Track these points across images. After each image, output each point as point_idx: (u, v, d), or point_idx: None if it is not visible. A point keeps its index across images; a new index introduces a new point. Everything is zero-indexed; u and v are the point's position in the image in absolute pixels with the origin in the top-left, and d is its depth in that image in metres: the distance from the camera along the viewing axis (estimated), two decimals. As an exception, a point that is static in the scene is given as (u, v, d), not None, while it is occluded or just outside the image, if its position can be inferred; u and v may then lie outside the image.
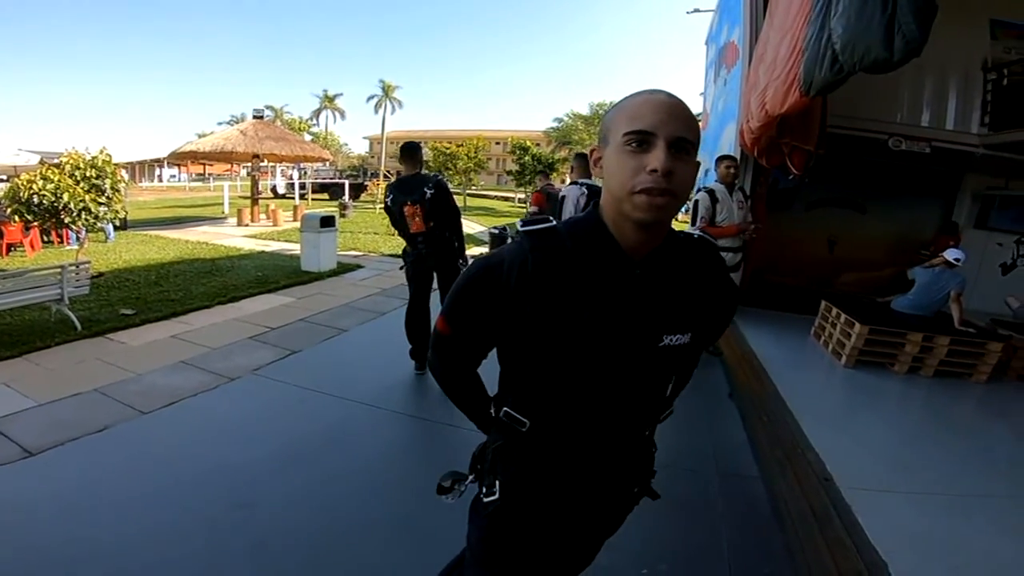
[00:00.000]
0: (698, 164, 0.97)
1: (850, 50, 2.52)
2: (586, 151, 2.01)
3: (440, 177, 4.23)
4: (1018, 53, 5.63)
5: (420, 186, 3.94)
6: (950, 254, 4.71)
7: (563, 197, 4.62)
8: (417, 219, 3.98)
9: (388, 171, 38.48)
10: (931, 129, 5.86)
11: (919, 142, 5.68)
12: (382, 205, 4.33)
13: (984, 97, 5.71)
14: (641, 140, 0.89)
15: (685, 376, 1.19)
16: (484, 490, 1.15)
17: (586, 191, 4.33)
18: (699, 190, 4.68)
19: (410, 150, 4.11)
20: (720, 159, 4.69)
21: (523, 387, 1.08)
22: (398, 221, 4.11)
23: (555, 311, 0.95)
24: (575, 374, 1.00)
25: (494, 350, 1.13)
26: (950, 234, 6.97)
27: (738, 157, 5.38)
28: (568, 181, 4.74)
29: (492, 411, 1.17)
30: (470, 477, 1.23)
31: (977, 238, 7.13)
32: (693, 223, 4.60)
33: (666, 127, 0.88)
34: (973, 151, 5.79)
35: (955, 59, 5.64)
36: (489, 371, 1.18)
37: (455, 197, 4.28)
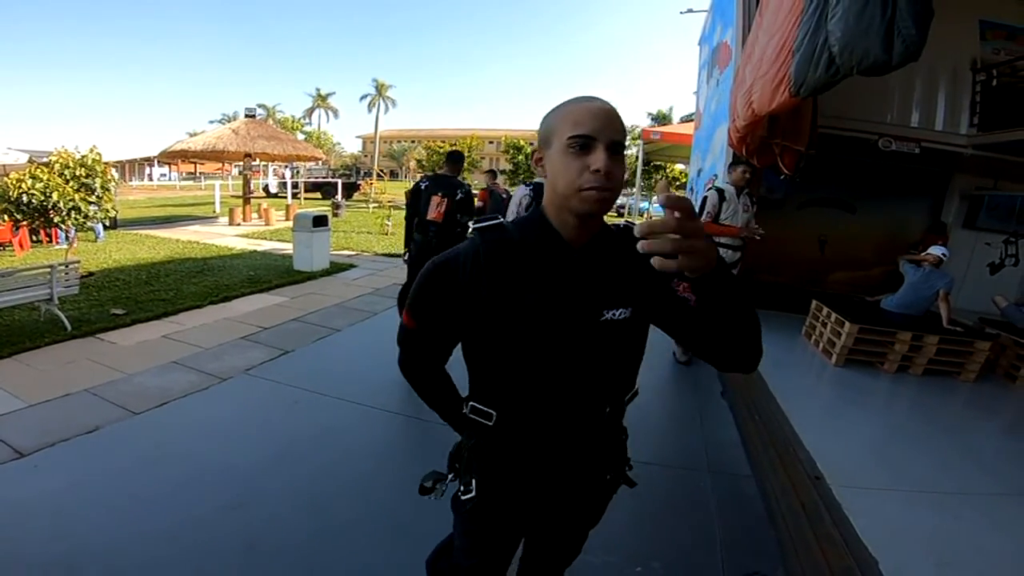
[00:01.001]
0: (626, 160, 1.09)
1: (848, 52, 2.54)
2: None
3: (470, 187, 4.73)
4: (1007, 54, 5.69)
5: (455, 187, 4.50)
6: (936, 250, 4.77)
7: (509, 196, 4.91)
8: (440, 209, 4.48)
9: (381, 170, 38.41)
10: (920, 129, 5.92)
11: (909, 142, 5.73)
12: (410, 188, 4.72)
13: (973, 98, 5.76)
14: (584, 144, 1.00)
15: (636, 352, 1.23)
16: (462, 488, 1.24)
17: (531, 192, 4.46)
18: (710, 189, 4.74)
19: (456, 157, 4.75)
20: (736, 163, 4.71)
21: (486, 378, 1.18)
22: (419, 206, 4.55)
23: (505, 295, 1.07)
24: (529, 353, 1.10)
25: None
26: (938, 234, 7.04)
27: (728, 157, 5.42)
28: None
29: (464, 410, 1.24)
30: (450, 476, 1.32)
31: (965, 238, 7.20)
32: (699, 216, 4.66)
33: (605, 132, 1.00)
34: (962, 151, 5.85)
35: (945, 60, 5.69)
36: (461, 376, 1.22)
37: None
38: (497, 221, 1.14)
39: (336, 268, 8.49)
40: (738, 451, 3.32)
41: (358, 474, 2.86)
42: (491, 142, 52.77)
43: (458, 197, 4.46)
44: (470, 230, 1.14)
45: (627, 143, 1.09)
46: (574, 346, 1.10)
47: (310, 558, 2.24)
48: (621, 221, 1.22)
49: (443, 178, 4.59)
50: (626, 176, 1.14)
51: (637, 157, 16.30)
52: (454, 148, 4.94)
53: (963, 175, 7.15)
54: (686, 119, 19.82)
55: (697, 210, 4.47)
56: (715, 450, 3.30)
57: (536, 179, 4.75)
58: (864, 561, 2.18)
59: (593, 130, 1.00)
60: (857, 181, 7.35)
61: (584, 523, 1.39)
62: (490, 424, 1.17)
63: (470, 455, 1.24)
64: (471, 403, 1.20)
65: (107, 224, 10.23)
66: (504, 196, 4.86)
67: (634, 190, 18.96)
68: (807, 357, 5.09)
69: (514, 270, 1.08)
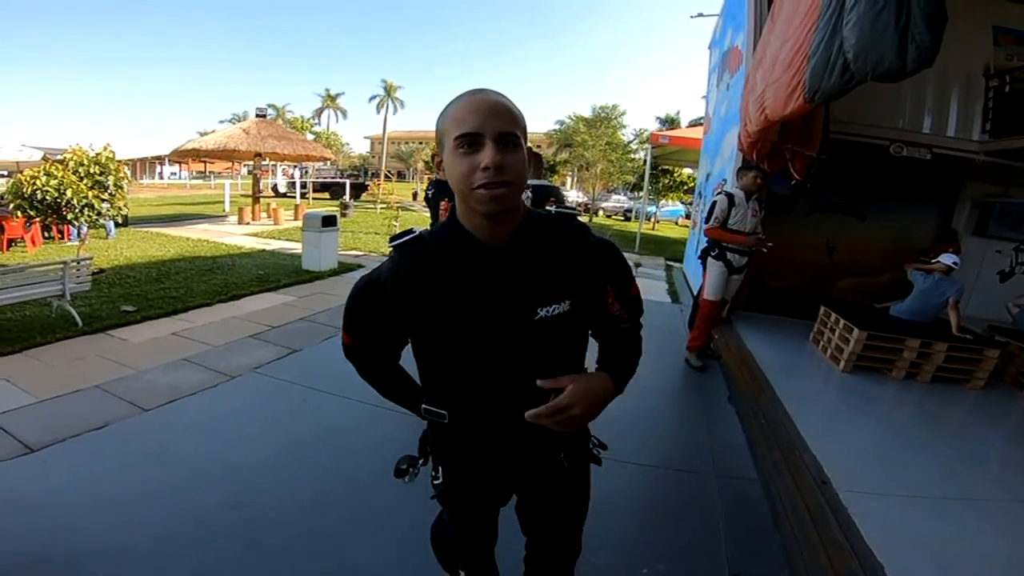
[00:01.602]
0: (529, 150, 1.10)
1: (863, 58, 2.53)
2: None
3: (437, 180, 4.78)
4: (1020, 60, 5.65)
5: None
6: (946, 258, 4.74)
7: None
8: (447, 213, 4.40)
9: (389, 171, 38.52)
10: (932, 135, 5.87)
11: (920, 148, 5.69)
12: (422, 196, 5.07)
13: (986, 104, 5.72)
14: (471, 142, 0.98)
15: (578, 342, 1.23)
16: (433, 473, 1.34)
17: (530, 194, 4.54)
18: (720, 193, 4.72)
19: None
20: (748, 169, 4.68)
21: (432, 381, 1.22)
22: (433, 212, 4.66)
23: (430, 306, 1.08)
24: (465, 359, 1.12)
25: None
26: (949, 241, 6.99)
27: (737, 162, 5.40)
28: None
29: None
30: (420, 460, 1.39)
31: (976, 245, 7.15)
32: (707, 222, 4.64)
33: (489, 125, 0.98)
34: (974, 158, 5.81)
35: (957, 65, 5.65)
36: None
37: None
38: (414, 235, 1.13)
39: (344, 268, 8.53)
40: (744, 455, 3.31)
41: (363, 473, 2.87)
42: (499, 144, 52.65)
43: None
44: (388, 247, 1.16)
45: (525, 131, 1.06)
46: (510, 347, 1.10)
47: (315, 557, 2.25)
48: (552, 209, 1.20)
49: (446, 182, 4.65)
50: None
51: (645, 161, 16.24)
52: None
53: (974, 182, 7.10)
54: (694, 123, 19.74)
55: (706, 215, 4.46)
56: (721, 454, 3.29)
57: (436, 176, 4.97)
58: (870, 565, 2.18)
59: (477, 126, 0.98)
60: (867, 187, 7.31)
61: (567, 507, 1.40)
62: (444, 422, 1.21)
63: (433, 447, 1.33)
64: (424, 405, 1.25)
65: (118, 222, 10.32)
66: None
67: (641, 195, 18.92)
68: (814, 363, 5.06)
69: (435, 281, 1.08)
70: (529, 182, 4.76)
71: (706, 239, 4.81)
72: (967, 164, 6.03)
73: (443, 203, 4.65)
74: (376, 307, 1.14)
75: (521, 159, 1.02)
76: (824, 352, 5.12)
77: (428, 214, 4.72)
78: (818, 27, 2.99)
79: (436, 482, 1.32)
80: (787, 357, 5.11)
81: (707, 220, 4.66)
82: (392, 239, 1.15)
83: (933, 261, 4.90)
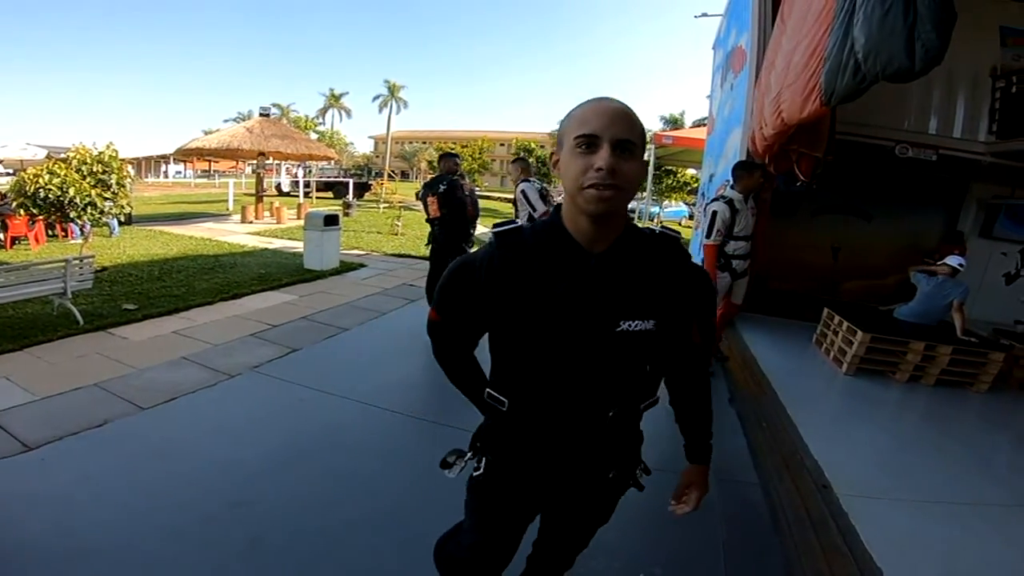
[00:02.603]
0: (645, 162, 1.12)
1: (872, 58, 2.50)
2: (521, 155, 2.17)
3: (455, 179, 5.11)
4: (1028, 60, 5.60)
5: (438, 182, 5.04)
6: (952, 260, 4.69)
7: (522, 192, 5.30)
8: (433, 207, 5.06)
9: (393, 171, 38.56)
10: (938, 136, 5.84)
11: (926, 149, 5.65)
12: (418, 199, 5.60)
13: (992, 105, 5.68)
14: (589, 143, 1.01)
15: (660, 363, 1.26)
16: (476, 465, 1.32)
17: (539, 185, 4.97)
18: (716, 199, 4.46)
19: (441, 158, 5.38)
20: (751, 167, 4.52)
21: (502, 369, 1.23)
22: (425, 209, 5.19)
23: (518, 299, 1.10)
24: (539, 355, 1.13)
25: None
26: (955, 243, 6.94)
27: (742, 161, 5.34)
28: (518, 181, 5.38)
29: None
30: (468, 454, 1.36)
31: (982, 247, 7.09)
32: (708, 235, 4.36)
33: (609, 130, 1.00)
34: (980, 159, 5.77)
35: (964, 66, 5.61)
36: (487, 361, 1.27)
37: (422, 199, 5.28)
38: (514, 226, 1.16)
39: (346, 267, 8.53)
40: (745, 458, 3.29)
41: (364, 473, 2.86)
42: (502, 144, 52.82)
43: (441, 190, 5.00)
44: (490, 233, 1.18)
45: (644, 142, 1.07)
46: (585, 353, 1.11)
47: (314, 556, 2.24)
48: (656, 226, 1.22)
49: (432, 180, 5.19)
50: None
51: (649, 161, 16.24)
52: (447, 151, 5.54)
53: (980, 183, 7.04)
54: (698, 123, 19.72)
55: (707, 228, 4.32)
56: (722, 457, 3.23)
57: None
58: (870, 571, 2.15)
59: (597, 128, 1.00)
60: (873, 188, 7.26)
61: (592, 517, 1.43)
62: (503, 410, 1.22)
63: (484, 435, 1.32)
64: (488, 389, 1.27)
65: (122, 220, 10.35)
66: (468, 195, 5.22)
67: (645, 195, 18.90)
68: (817, 365, 5.03)
69: (527, 273, 1.10)
70: (530, 179, 4.79)
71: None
72: (973, 165, 5.99)
73: (430, 198, 5.08)
74: (467, 288, 1.16)
75: (635, 167, 1.04)
76: (827, 355, 5.09)
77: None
78: (832, 28, 2.94)
79: (476, 473, 1.31)
80: (790, 359, 5.07)
81: (708, 234, 4.37)
82: (495, 225, 1.18)
83: (938, 263, 4.86)
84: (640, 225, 1.20)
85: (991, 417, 4.14)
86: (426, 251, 5.52)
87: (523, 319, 1.10)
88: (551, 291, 1.08)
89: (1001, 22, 5.69)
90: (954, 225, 7.36)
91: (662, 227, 1.21)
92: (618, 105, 1.04)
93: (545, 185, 5.64)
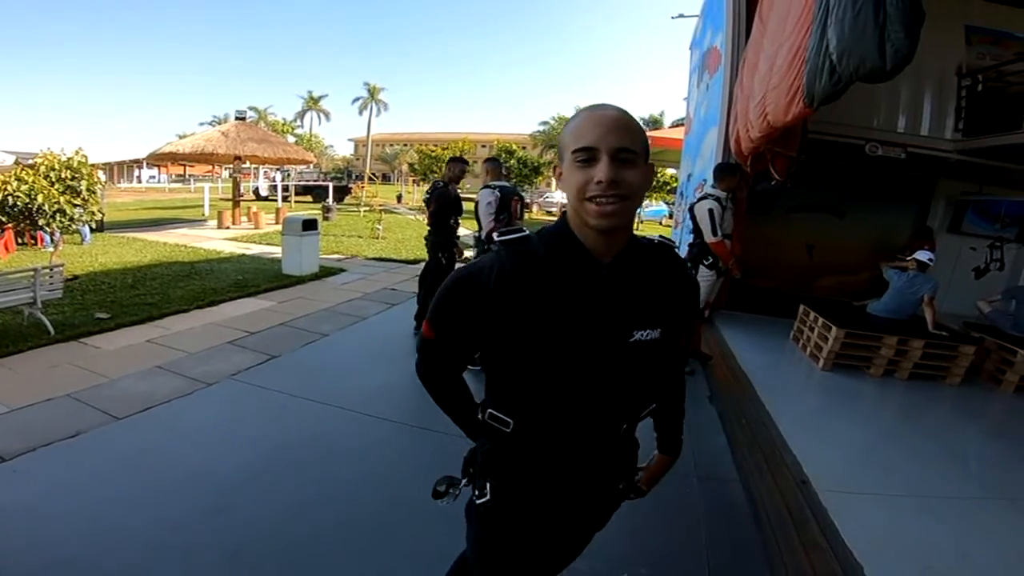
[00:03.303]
0: (651, 167, 1.07)
1: (846, 59, 2.54)
2: (497, 156, 2.13)
3: (441, 185, 5.15)
4: (992, 58, 5.75)
5: (430, 192, 5.21)
6: (921, 255, 4.81)
7: (477, 201, 4.83)
8: (426, 215, 5.35)
9: (373, 174, 38.32)
10: (907, 135, 5.97)
11: (895, 148, 5.77)
12: (407, 198, 5.72)
13: (959, 103, 5.82)
14: (587, 156, 0.99)
15: (662, 371, 1.25)
16: (476, 492, 1.22)
17: (498, 194, 4.59)
18: (706, 197, 4.47)
19: (448, 162, 5.36)
20: (734, 168, 4.60)
21: (505, 388, 1.16)
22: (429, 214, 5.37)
23: (532, 310, 1.03)
24: (553, 370, 1.07)
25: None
26: (925, 238, 7.11)
27: (725, 163, 5.36)
28: (482, 184, 4.89)
29: (480, 416, 1.22)
30: (463, 480, 1.30)
31: (951, 242, 7.27)
32: (715, 233, 4.33)
33: (607, 140, 0.97)
34: (947, 156, 5.91)
35: (931, 65, 5.75)
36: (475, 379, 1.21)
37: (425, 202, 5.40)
38: (523, 234, 1.10)
39: (326, 272, 8.44)
40: (725, 456, 3.32)
41: (344, 480, 2.83)
42: (483, 146, 52.79)
43: (426, 199, 5.24)
44: (494, 240, 1.11)
45: (646, 148, 1.05)
46: (601, 365, 1.08)
47: (293, 565, 2.21)
48: (655, 236, 1.21)
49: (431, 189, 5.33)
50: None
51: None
52: (455, 156, 5.57)
53: (948, 180, 7.23)
54: (677, 123, 19.91)
55: (708, 223, 4.32)
56: (703, 455, 3.29)
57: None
58: (850, 566, 2.18)
59: (594, 141, 0.98)
60: (845, 186, 7.42)
61: (593, 527, 1.40)
62: (507, 431, 1.15)
63: (484, 459, 1.22)
64: (489, 410, 1.18)
65: (93, 227, 10.12)
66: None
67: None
68: (795, 361, 5.11)
69: (541, 285, 1.04)
70: (493, 183, 4.73)
71: (692, 247, 4.64)
72: (941, 163, 6.14)
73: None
74: (473, 301, 1.07)
75: (637, 175, 1.01)
76: (804, 351, 5.17)
77: (412, 217, 5.05)
78: (812, 30, 2.96)
79: (480, 501, 1.20)
80: (768, 356, 5.14)
81: (713, 232, 4.34)
82: (500, 233, 1.11)
83: (908, 258, 4.96)
84: (649, 236, 1.20)
85: (964, 409, 4.25)
86: (408, 253, 5.63)
87: (537, 331, 1.04)
88: (566, 301, 1.04)
89: (966, 21, 5.84)
90: (924, 221, 7.55)
91: (660, 237, 1.21)
92: (614, 113, 1.01)
93: (519, 189, 5.61)
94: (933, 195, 7.50)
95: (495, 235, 1.12)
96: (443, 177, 5.22)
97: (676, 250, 1.21)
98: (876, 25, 2.33)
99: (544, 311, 1.03)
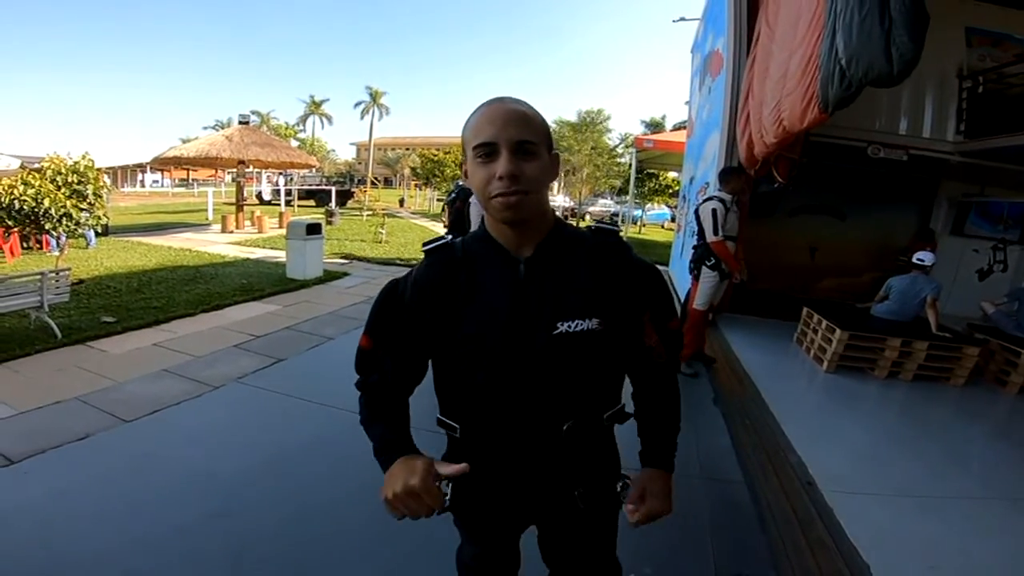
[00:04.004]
0: (555, 157, 1.08)
1: (855, 64, 2.53)
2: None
3: (455, 190, 5.06)
4: (992, 60, 5.77)
5: (454, 192, 5.04)
6: (924, 256, 4.85)
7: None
8: (445, 216, 5.60)
9: (376, 177, 38.40)
10: (908, 137, 5.99)
11: (897, 149, 5.79)
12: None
13: (960, 105, 5.84)
14: (487, 151, 0.99)
15: (607, 366, 1.14)
16: (446, 489, 1.21)
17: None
18: (710, 199, 4.49)
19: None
20: (739, 170, 4.62)
21: (446, 393, 1.18)
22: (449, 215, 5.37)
23: (448, 314, 1.07)
24: (479, 370, 1.08)
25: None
26: (927, 240, 7.11)
27: (730, 166, 5.34)
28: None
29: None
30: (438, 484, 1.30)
31: (954, 244, 7.27)
32: (715, 232, 4.35)
33: (505, 134, 0.97)
34: (949, 158, 5.92)
35: (931, 67, 5.76)
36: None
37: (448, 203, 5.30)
38: (444, 241, 1.13)
39: (329, 276, 8.47)
40: (730, 457, 3.32)
41: (348, 482, 2.84)
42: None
43: (449, 198, 5.24)
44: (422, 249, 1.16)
45: (546, 137, 1.04)
46: (525, 361, 1.06)
47: (298, 568, 2.22)
48: (599, 224, 1.17)
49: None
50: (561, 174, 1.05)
51: (631, 165, 16.38)
52: None
53: (950, 182, 7.23)
54: (679, 126, 19.95)
55: (711, 223, 4.33)
56: (707, 456, 3.30)
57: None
58: (856, 566, 2.19)
59: (492, 135, 0.98)
60: (847, 188, 7.43)
61: (588, 545, 1.31)
62: (457, 436, 1.17)
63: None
64: (438, 415, 1.21)
65: (99, 231, 10.17)
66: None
67: (628, 199, 19.04)
68: (799, 363, 5.11)
69: (457, 286, 1.07)
70: (460, 182, 4.81)
71: (695, 248, 4.66)
72: (943, 164, 6.15)
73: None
74: (394, 310, 1.13)
75: (538, 167, 1.01)
76: (808, 353, 5.18)
77: (415, 221, 5.08)
78: (823, 36, 2.94)
79: (447, 497, 1.22)
80: (771, 358, 5.15)
81: (715, 231, 4.36)
82: (424, 243, 1.15)
83: (915, 259, 4.97)
84: (580, 225, 1.15)
85: (968, 410, 4.25)
86: (411, 257, 5.71)
87: (457, 333, 1.07)
88: (483, 300, 1.06)
89: (966, 23, 5.85)
90: (926, 223, 7.55)
91: (597, 223, 1.16)
92: (511, 106, 1.01)
93: None
94: (935, 197, 7.50)
95: (422, 245, 1.15)
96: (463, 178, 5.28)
97: (617, 235, 1.15)
98: (882, 30, 2.33)
99: (461, 313, 1.06)
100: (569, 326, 1.04)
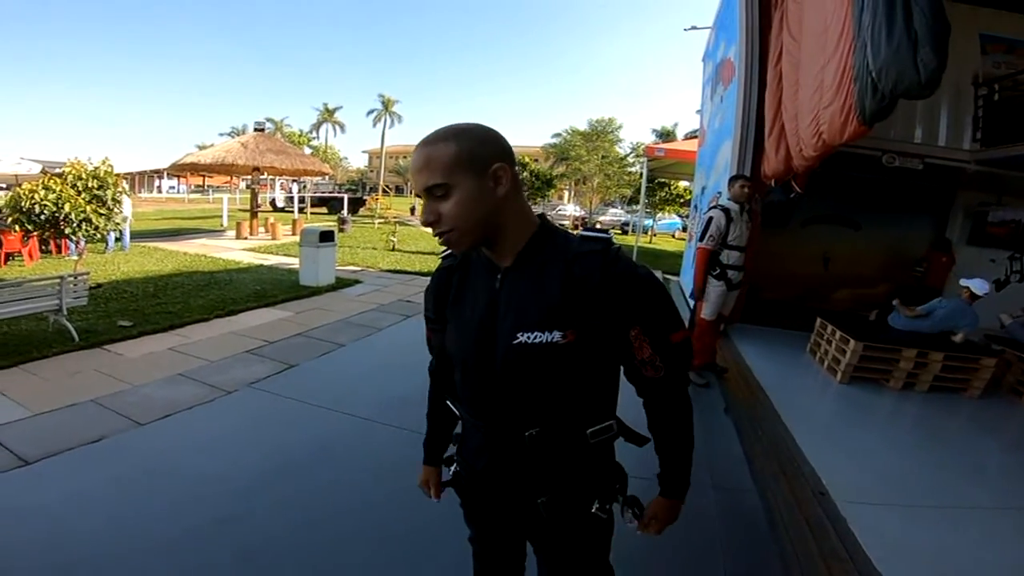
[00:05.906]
0: (488, 175, 1.00)
1: (884, 76, 2.51)
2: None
3: None
4: (1008, 67, 5.71)
5: None
6: (977, 286, 4.62)
7: None
8: None
9: (387, 186, 38.66)
10: (924, 145, 5.92)
11: (912, 158, 5.73)
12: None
13: (975, 112, 5.77)
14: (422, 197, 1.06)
15: (576, 380, 1.09)
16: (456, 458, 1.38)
17: None
18: (714, 207, 4.53)
19: None
20: (735, 178, 4.61)
21: (451, 381, 1.29)
22: None
23: (443, 315, 1.22)
24: (457, 369, 1.21)
25: None
26: (943, 251, 7.03)
27: (749, 175, 5.29)
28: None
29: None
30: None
31: (970, 255, 7.18)
32: (701, 239, 4.42)
33: (417, 183, 1.02)
34: (965, 167, 5.85)
35: (947, 75, 5.67)
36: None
37: None
38: None
39: (341, 283, 8.54)
40: (742, 466, 3.30)
41: (359, 489, 2.86)
42: (496, 158, 52.80)
43: None
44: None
45: (459, 168, 0.99)
46: (488, 368, 1.11)
47: (308, 572, 2.23)
48: (600, 233, 1.12)
49: None
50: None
51: (642, 174, 16.36)
52: None
53: (967, 191, 7.15)
54: (690, 136, 19.90)
55: (701, 232, 4.37)
56: (719, 465, 3.28)
57: None
58: (870, 577, 2.17)
59: (415, 184, 1.03)
60: (861, 197, 7.37)
61: (569, 552, 1.26)
62: (459, 418, 1.32)
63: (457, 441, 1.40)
64: (447, 401, 1.35)
65: (118, 236, 10.34)
66: None
67: (638, 208, 18.99)
68: (812, 374, 5.06)
69: (453, 290, 1.19)
70: None
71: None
72: (959, 173, 6.08)
73: None
74: (428, 300, 1.28)
75: (455, 203, 0.99)
76: (821, 363, 5.12)
77: (426, 230, 5.03)
78: (855, 47, 2.89)
79: (452, 470, 1.38)
80: (784, 369, 5.11)
81: (701, 238, 4.43)
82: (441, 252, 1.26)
83: (961, 287, 4.77)
84: (577, 233, 1.12)
85: (985, 422, 4.18)
86: (423, 266, 5.66)
87: (446, 335, 1.21)
88: (465, 307, 1.15)
89: (980, 29, 5.80)
90: (942, 233, 7.46)
91: (585, 231, 1.12)
92: (419, 152, 1.01)
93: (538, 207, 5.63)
94: (951, 206, 7.42)
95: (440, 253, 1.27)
96: None
97: (606, 243, 1.07)
98: (909, 41, 2.31)
99: (449, 315, 1.20)
100: (528, 337, 1.04)
